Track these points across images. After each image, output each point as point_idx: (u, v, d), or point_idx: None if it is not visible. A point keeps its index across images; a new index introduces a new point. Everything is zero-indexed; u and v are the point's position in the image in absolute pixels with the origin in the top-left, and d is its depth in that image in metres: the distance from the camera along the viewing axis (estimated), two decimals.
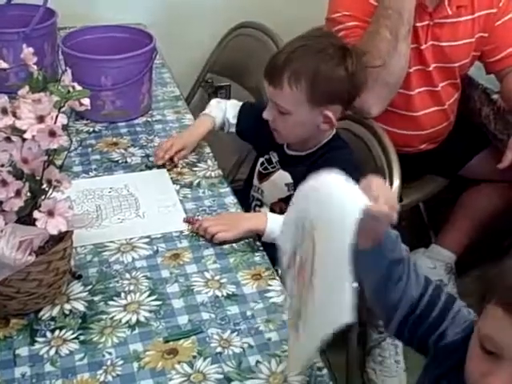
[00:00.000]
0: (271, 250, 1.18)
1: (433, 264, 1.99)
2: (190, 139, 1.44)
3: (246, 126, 1.46)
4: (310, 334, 0.81)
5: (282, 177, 1.37)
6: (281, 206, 1.36)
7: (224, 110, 1.48)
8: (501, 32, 1.66)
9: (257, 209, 1.42)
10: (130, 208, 1.27)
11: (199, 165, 1.42)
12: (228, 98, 2.28)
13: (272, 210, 1.37)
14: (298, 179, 1.33)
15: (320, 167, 1.29)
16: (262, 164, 1.42)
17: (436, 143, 1.83)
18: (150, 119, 1.59)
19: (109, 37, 1.64)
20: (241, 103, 1.50)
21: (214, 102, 1.51)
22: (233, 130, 1.49)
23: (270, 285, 1.10)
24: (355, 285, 1.36)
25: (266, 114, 1.30)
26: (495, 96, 1.79)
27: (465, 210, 1.95)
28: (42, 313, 1.01)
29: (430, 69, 1.66)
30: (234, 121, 1.48)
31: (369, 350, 1.84)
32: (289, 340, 0.93)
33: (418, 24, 1.59)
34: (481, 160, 1.88)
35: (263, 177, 1.41)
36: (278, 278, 1.11)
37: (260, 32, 2.03)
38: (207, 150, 1.47)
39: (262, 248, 1.19)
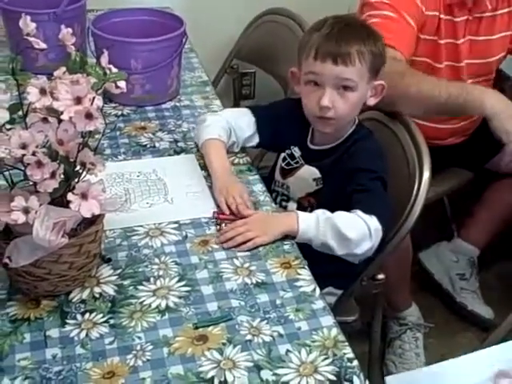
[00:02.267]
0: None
1: (455, 257, 1.99)
2: (231, 179, 1.28)
3: (267, 136, 1.40)
4: None
5: (310, 172, 1.35)
6: (309, 200, 1.34)
7: (228, 130, 1.36)
8: None
9: (283, 203, 1.40)
10: (158, 193, 1.26)
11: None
12: (253, 84, 2.27)
13: (300, 204, 1.36)
14: (326, 173, 1.34)
15: (348, 159, 1.31)
16: (284, 159, 1.39)
17: (464, 136, 1.81)
18: (178, 104, 1.58)
19: (137, 20, 1.64)
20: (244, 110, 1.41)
21: (210, 119, 1.38)
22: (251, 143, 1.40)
23: (299, 274, 1.09)
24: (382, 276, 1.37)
25: (326, 101, 1.24)
26: None
27: (488, 205, 1.94)
28: (72, 295, 1.01)
29: (462, 64, 1.64)
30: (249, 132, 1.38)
31: (389, 342, 1.84)
32: None
33: (456, 19, 1.57)
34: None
35: (287, 172, 1.39)
36: (306, 267, 1.11)
37: (287, 18, 2.01)
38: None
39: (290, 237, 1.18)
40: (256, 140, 1.40)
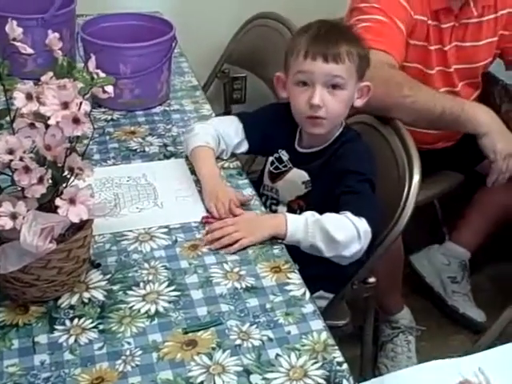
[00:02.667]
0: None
1: (447, 261, 1.99)
2: (221, 185, 1.27)
3: (256, 142, 1.40)
4: None
5: (299, 175, 1.35)
6: (299, 203, 1.34)
7: (217, 139, 1.36)
8: None
9: (273, 207, 1.39)
10: (148, 197, 1.26)
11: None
12: (244, 88, 2.27)
13: (290, 208, 1.36)
14: (315, 175, 1.34)
15: (336, 160, 1.31)
16: (272, 163, 1.39)
17: (454, 141, 1.81)
18: (167, 108, 1.58)
19: (127, 25, 1.63)
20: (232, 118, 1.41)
21: (198, 128, 1.38)
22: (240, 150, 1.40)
23: (289, 278, 1.09)
24: (373, 279, 1.37)
25: (316, 99, 1.24)
26: None
27: (479, 207, 1.94)
28: (60, 301, 1.01)
29: (451, 70, 1.66)
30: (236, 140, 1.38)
31: (381, 345, 1.84)
32: None
33: (443, 26, 1.58)
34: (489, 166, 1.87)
35: (276, 176, 1.38)
36: (296, 271, 1.11)
37: (277, 23, 2.01)
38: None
39: (280, 240, 1.18)
40: (245, 146, 1.40)
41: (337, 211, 1.20)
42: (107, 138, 1.45)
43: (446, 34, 1.60)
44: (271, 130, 1.37)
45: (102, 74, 0.95)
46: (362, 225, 1.18)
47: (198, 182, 1.30)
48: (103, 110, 1.55)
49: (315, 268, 1.21)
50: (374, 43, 1.47)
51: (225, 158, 1.38)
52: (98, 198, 1.24)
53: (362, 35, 1.35)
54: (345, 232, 1.17)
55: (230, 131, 1.37)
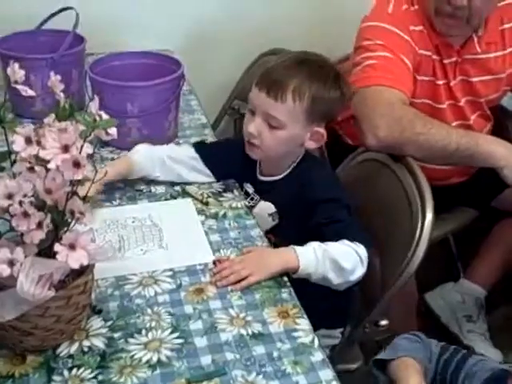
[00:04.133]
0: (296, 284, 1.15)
1: (462, 298, 1.94)
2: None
3: (216, 165, 1.39)
4: None
5: (265, 207, 1.32)
6: (269, 238, 1.30)
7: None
8: None
9: None
10: (153, 239, 1.23)
11: (225, 195, 1.38)
12: None
13: None
14: (281, 206, 1.30)
15: (304, 190, 1.26)
16: None
17: (468, 175, 1.78)
18: None
19: (136, 63, 1.63)
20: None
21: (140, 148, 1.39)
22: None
23: (297, 323, 1.05)
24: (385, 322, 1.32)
25: (251, 127, 1.24)
26: None
27: (496, 244, 1.90)
28: (59, 349, 0.97)
29: (461, 103, 1.63)
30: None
31: None
32: None
33: (445, 61, 1.56)
34: None
35: None
36: (305, 316, 1.07)
37: None
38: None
39: (289, 283, 1.14)
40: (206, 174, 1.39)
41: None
42: None
43: (450, 69, 1.58)
44: (232, 167, 1.36)
45: (105, 116, 0.93)
46: (361, 250, 1.17)
47: (204, 222, 1.28)
48: (111, 149, 1.53)
49: (314, 305, 1.17)
50: (382, 80, 1.45)
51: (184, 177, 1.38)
52: (103, 239, 1.22)
53: (365, 73, 1.32)
54: (350, 259, 1.16)
55: (182, 157, 1.38)
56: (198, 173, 1.39)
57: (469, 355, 1.07)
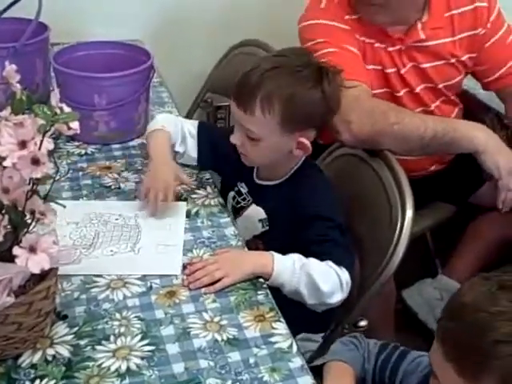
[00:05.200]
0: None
1: (440, 295, 1.91)
2: (163, 168, 1.23)
3: (207, 153, 1.34)
4: None
5: (256, 212, 1.27)
6: (256, 243, 1.26)
7: (180, 127, 1.33)
8: (493, 52, 1.60)
9: None
10: (128, 241, 1.16)
11: (198, 192, 1.32)
12: (228, 117, 2.20)
13: (248, 248, 1.27)
14: (272, 214, 1.25)
15: (297, 200, 1.21)
16: (234, 198, 1.32)
17: (445, 163, 1.74)
18: (146, 141, 1.50)
19: (103, 53, 1.56)
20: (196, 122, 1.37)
21: (162, 117, 1.39)
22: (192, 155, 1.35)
23: (274, 328, 1.00)
24: (364, 323, 1.28)
25: (233, 139, 1.19)
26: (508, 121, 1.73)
27: (473, 240, 1.88)
28: (21, 359, 0.91)
29: (417, 91, 1.59)
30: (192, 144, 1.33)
31: None
32: None
33: (390, 49, 1.52)
34: (491, 188, 1.80)
35: (237, 212, 1.31)
36: (282, 319, 1.02)
37: (261, 50, 1.95)
38: (206, 175, 1.37)
39: (265, 285, 1.09)
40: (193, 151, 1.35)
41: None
42: (80, 174, 1.36)
43: (397, 57, 1.54)
44: (229, 159, 1.29)
45: (67, 109, 0.86)
46: (344, 275, 1.13)
47: (187, 229, 1.21)
48: (77, 143, 1.46)
49: (297, 309, 1.14)
50: None
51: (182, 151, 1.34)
52: (78, 234, 1.16)
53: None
54: (330, 282, 1.12)
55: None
56: (184, 149, 1.34)
57: (407, 352, 1.05)
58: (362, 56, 1.50)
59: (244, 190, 1.30)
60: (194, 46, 2.09)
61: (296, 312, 1.13)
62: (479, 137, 1.41)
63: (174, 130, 1.32)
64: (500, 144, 1.44)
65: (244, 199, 1.30)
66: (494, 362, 0.78)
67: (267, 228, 1.26)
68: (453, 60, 1.58)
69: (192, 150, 1.35)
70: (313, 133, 1.21)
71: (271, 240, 1.25)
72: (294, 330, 1.04)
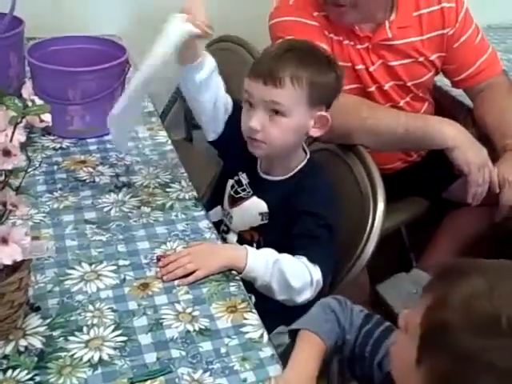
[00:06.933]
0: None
1: (415, 289, 1.93)
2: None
3: (230, 134, 1.30)
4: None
5: (257, 205, 1.27)
6: (252, 234, 1.27)
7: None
8: (461, 52, 1.62)
9: (223, 235, 1.32)
10: None
11: (172, 185, 1.33)
12: None
13: (241, 238, 1.29)
14: (274, 209, 1.26)
15: (297, 196, 1.23)
16: (233, 187, 1.32)
17: (417, 159, 1.77)
18: None
19: (78, 48, 1.56)
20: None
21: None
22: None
23: (246, 318, 1.01)
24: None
25: (254, 123, 1.18)
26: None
27: (447, 234, 1.90)
28: None
29: (386, 88, 1.61)
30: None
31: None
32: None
33: (358, 46, 1.54)
34: (464, 183, 1.83)
35: (235, 201, 1.31)
36: (254, 310, 1.03)
37: (238, 46, 1.96)
38: (181, 169, 1.38)
39: (238, 277, 1.10)
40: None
41: (291, 250, 1.15)
42: (55, 167, 1.36)
43: (365, 55, 1.55)
44: (237, 146, 1.28)
45: (39, 101, 0.87)
46: (316, 273, 1.14)
47: (150, 214, 1.23)
48: (52, 137, 1.46)
49: (274, 301, 1.16)
50: None
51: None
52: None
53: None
54: (300, 279, 1.13)
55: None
56: (213, 116, 1.31)
57: (393, 328, 0.99)
58: (333, 53, 1.51)
59: (245, 180, 1.29)
60: None
61: (273, 304, 1.15)
62: (450, 133, 1.43)
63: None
64: (471, 140, 1.46)
65: (244, 190, 1.30)
66: None
67: (266, 221, 1.26)
68: (421, 59, 1.59)
69: (219, 120, 1.32)
70: (325, 113, 1.23)
71: (269, 233, 1.25)
72: (274, 323, 1.06)
